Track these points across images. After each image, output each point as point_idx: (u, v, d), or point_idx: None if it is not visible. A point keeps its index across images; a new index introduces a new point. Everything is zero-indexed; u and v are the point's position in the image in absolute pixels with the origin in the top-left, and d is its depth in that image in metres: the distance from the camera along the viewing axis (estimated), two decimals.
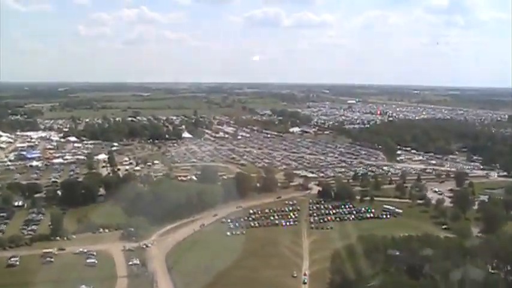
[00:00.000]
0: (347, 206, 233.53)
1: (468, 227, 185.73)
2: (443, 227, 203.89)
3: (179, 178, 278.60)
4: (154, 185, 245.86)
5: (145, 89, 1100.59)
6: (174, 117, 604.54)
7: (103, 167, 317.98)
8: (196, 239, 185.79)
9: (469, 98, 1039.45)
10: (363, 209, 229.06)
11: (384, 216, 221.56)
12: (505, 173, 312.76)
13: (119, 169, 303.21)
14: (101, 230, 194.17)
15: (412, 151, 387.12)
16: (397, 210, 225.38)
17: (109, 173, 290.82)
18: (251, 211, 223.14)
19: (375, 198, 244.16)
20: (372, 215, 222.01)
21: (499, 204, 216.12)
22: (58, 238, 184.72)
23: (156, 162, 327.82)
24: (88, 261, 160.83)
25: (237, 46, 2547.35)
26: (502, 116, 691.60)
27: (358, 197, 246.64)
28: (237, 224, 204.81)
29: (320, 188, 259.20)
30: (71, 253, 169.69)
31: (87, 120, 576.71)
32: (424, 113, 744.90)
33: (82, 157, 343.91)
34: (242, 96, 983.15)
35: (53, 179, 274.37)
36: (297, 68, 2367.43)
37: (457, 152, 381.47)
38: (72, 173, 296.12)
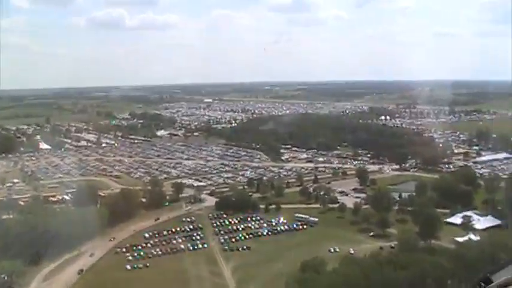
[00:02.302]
0: (254, 219, 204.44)
1: (411, 235, 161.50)
2: (371, 234, 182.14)
3: (50, 199, 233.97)
4: (24, 212, 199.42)
5: None
6: (25, 127, 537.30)
7: None
8: (91, 280, 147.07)
9: (320, 92, 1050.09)
10: (274, 220, 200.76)
11: (300, 226, 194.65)
12: (397, 166, 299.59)
13: None
14: None
15: (293, 149, 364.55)
16: (311, 218, 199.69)
17: None
18: (146, 235, 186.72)
19: (282, 206, 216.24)
20: (286, 227, 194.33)
21: (426, 204, 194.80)
22: None
23: (16, 181, 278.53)
24: None
25: (80, 50, 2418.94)
26: (360, 107, 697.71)
27: (262, 206, 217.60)
28: (135, 254, 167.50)
29: (216, 199, 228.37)
30: None
31: None
32: (284, 108, 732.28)
33: None
34: (93, 100, 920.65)
35: None
36: (144, 70, 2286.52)
37: (338, 147, 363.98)
38: None
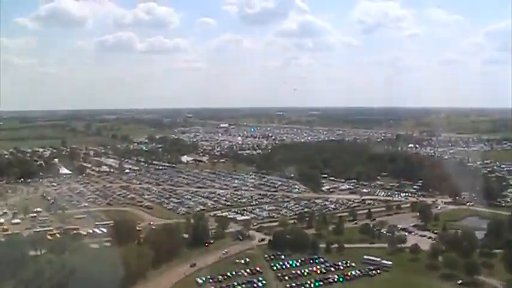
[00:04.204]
0: (318, 261, 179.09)
1: None
2: (459, 282, 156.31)
3: (80, 233, 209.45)
4: (54, 250, 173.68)
5: None
6: (41, 150, 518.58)
7: None
8: None
9: (333, 118, 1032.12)
10: (341, 263, 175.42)
11: (373, 271, 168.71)
12: (449, 200, 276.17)
13: None
14: None
15: (331, 178, 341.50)
16: (383, 261, 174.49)
17: None
18: (199, 280, 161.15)
19: (345, 246, 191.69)
20: (358, 271, 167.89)
21: None
22: None
23: (38, 210, 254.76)
24: None
25: (89, 72, 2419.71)
26: (384, 134, 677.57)
27: (322, 245, 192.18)
28: None
29: (265, 236, 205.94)
30: None
31: None
32: (304, 134, 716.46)
33: None
34: (105, 123, 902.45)
35: None
36: (154, 93, 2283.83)
37: (379, 177, 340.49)
38: None
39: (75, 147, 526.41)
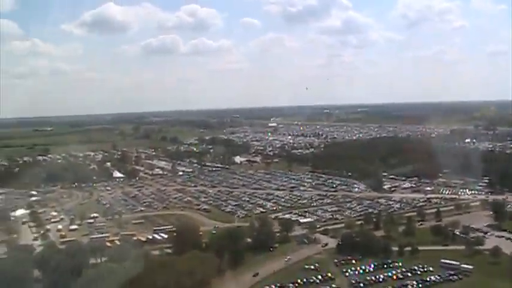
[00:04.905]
0: (392, 266, 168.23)
1: None
2: None
3: (139, 239, 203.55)
4: (115, 257, 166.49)
5: (46, 123, 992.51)
6: (93, 153, 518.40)
7: (23, 223, 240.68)
8: None
9: (382, 114, 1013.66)
10: (417, 267, 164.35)
11: (453, 276, 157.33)
12: None
13: (48, 230, 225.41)
14: None
15: (391, 176, 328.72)
16: (463, 265, 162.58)
17: (36, 238, 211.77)
18: None
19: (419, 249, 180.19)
20: (437, 276, 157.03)
21: None
22: None
23: (95, 215, 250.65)
24: None
25: (134, 75, 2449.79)
26: (436, 130, 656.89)
27: (394, 248, 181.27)
28: None
29: (331, 239, 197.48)
30: None
31: None
32: (355, 131, 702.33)
33: None
34: (152, 125, 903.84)
35: None
36: (198, 95, 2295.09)
37: (440, 175, 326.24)
38: None
39: (126, 151, 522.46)
